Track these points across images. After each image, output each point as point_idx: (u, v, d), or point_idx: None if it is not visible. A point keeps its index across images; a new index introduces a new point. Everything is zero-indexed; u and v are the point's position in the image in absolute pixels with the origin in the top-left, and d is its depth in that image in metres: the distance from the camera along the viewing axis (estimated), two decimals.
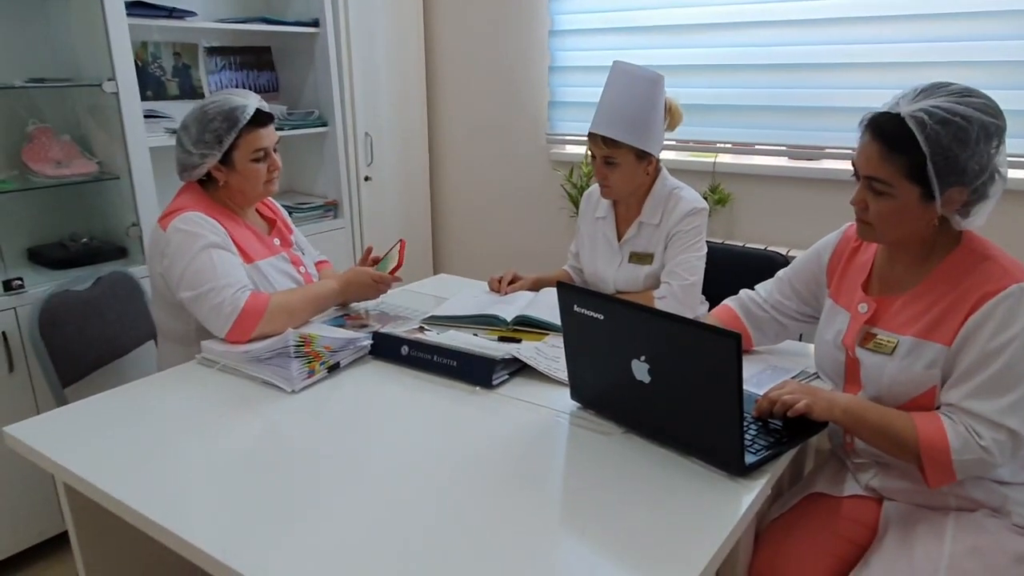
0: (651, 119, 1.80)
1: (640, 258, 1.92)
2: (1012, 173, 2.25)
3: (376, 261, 1.97)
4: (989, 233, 1.25)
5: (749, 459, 1.15)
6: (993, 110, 1.17)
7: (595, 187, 2.04)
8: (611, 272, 1.96)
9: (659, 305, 1.83)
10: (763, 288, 1.60)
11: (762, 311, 1.58)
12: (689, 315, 1.80)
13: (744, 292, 1.63)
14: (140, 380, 1.54)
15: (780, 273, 1.58)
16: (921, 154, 1.15)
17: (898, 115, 1.17)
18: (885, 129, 1.18)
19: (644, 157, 1.82)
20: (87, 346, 1.91)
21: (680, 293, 1.82)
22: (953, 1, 2.30)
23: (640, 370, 1.20)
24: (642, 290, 1.91)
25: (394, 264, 1.92)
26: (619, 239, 1.96)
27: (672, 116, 1.89)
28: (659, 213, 1.89)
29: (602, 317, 1.23)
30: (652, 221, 1.90)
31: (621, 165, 1.82)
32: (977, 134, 1.14)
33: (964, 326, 1.18)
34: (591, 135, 1.83)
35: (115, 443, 1.27)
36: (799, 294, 1.53)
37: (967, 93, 1.17)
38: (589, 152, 1.87)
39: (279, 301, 1.65)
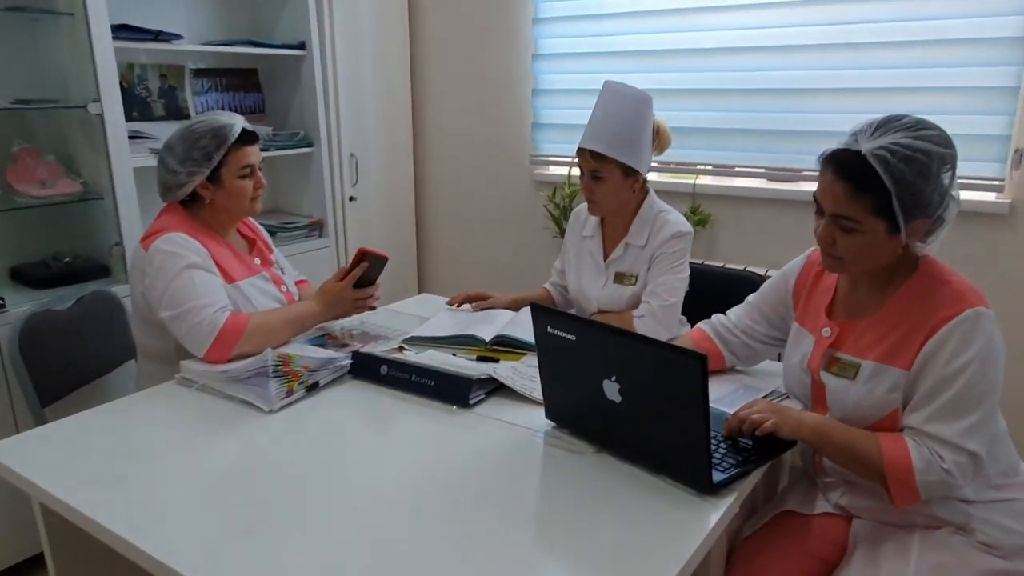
0: (638, 137, 1.83)
1: (624, 278, 1.94)
2: (964, 195, 2.30)
3: (346, 275, 1.86)
4: (942, 252, 1.28)
5: (717, 477, 1.17)
6: (946, 140, 1.21)
7: (583, 206, 2.07)
8: (595, 291, 1.98)
9: (637, 324, 1.85)
10: (733, 313, 1.63)
11: (732, 335, 1.61)
12: (666, 336, 1.83)
13: (716, 317, 1.66)
14: (119, 400, 1.55)
15: (749, 298, 1.61)
16: (886, 191, 1.17)
17: (859, 153, 1.19)
18: (849, 168, 1.21)
19: (631, 174, 1.85)
20: (67, 365, 1.91)
21: (659, 313, 1.85)
22: (921, 31, 2.37)
23: (611, 390, 1.22)
24: (624, 310, 1.93)
25: (376, 268, 1.85)
26: (605, 258, 1.98)
27: (660, 138, 1.93)
28: (645, 234, 1.92)
29: (574, 338, 1.25)
30: (638, 242, 1.92)
31: (607, 180, 1.84)
32: (936, 167, 1.18)
33: (922, 350, 1.21)
34: (579, 151, 1.86)
35: (92, 463, 1.27)
36: (768, 318, 1.56)
37: (921, 126, 1.20)
38: (578, 168, 1.90)
39: (259, 322, 1.66)
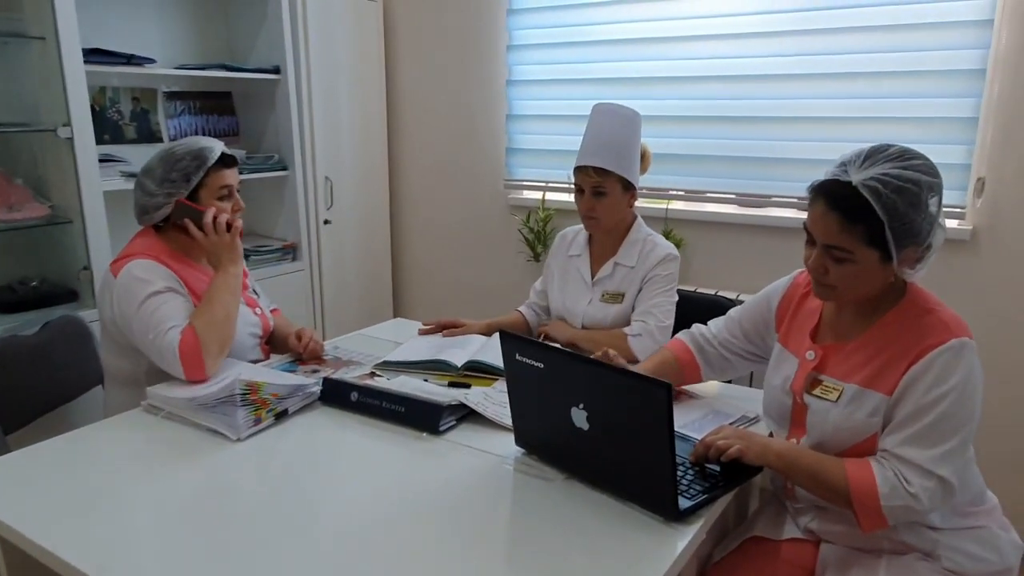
0: (633, 153, 1.91)
1: (612, 297, 1.98)
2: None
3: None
4: (944, 280, 1.30)
5: (684, 504, 1.18)
6: (933, 169, 1.23)
7: (569, 229, 2.13)
8: (580, 307, 2.01)
9: (633, 342, 1.87)
10: (714, 325, 1.65)
11: (711, 347, 1.62)
12: None
13: (696, 327, 1.68)
14: (84, 428, 1.52)
15: (731, 312, 1.63)
16: (879, 221, 1.19)
17: (850, 184, 1.21)
18: (841, 199, 1.22)
19: (628, 189, 1.91)
20: (32, 392, 1.88)
21: (657, 333, 1.88)
22: (885, 62, 2.44)
23: (579, 417, 1.23)
24: (609, 327, 1.95)
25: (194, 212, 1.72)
26: (592, 276, 2.01)
27: (644, 160, 1.99)
28: (635, 256, 1.96)
29: (542, 366, 1.26)
30: (627, 263, 1.96)
31: (609, 195, 1.89)
32: (926, 196, 1.20)
33: (904, 376, 1.22)
34: (580, 169, 1.90)
35: (53, 494, 1.25)
36: (747, 334, 1.58)
37: (908, 155, 1.22)
38: (575, 188, 1.94)
39: (201, 324, 1.62)
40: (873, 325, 1.30)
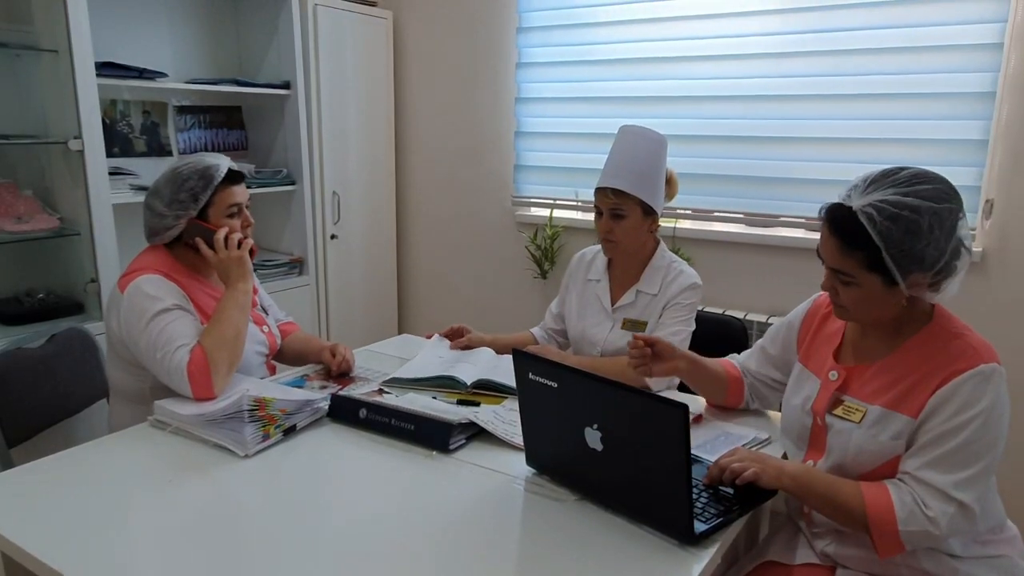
0: (656, 178, 1.86)
1: (634, 325, 1.92)
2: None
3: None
4: (950, 303, 1.29)
5: (699, 527, 1.16)
6: (945, 194, 1.20)
7: (587, 249, 2.08)
8: (601, 335, 1.96)
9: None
10: (744, 356, 1.66)
11: (749, 377, 1.63)
12: (667, 384, 1.85)
13: (733, 357, 1.69)
14: (90, 443, 1.51)
15: (759, 343, 1.63)
16: (876, 247, 1.18)
17: (850, 209, 1.20)
18: (840, 224, 1.22)
19: (650, 214, 1.86)
20: (37, 406, 1.86)
21: None
22: (895, 84, 2.44)
23: (593, 438, 1.21)
24: None
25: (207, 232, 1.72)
26: (612, 303, 1.97)
27: (671, 186, 1.95)
28: (658, 283, 1.91)
29: (556, 385, 1.25)
30: (650, 290, 1.92)
31: (628, 218, 1.84)
32: (929, 223, 1.17)
33: (931, 400, 1.21)
34: (599, 190, 1.86)
35: (58, 510, 1.23)
36: (775, 362, 1.58)
37: (917, 180, 1.20)
38: (595, 210, 1.90)
39: (210, 344, 1.61)
40: (899, 347, 1.29)
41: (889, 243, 1.18)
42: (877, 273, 1.21)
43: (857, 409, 1.30)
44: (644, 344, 1.56)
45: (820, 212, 1.28)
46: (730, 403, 1.66)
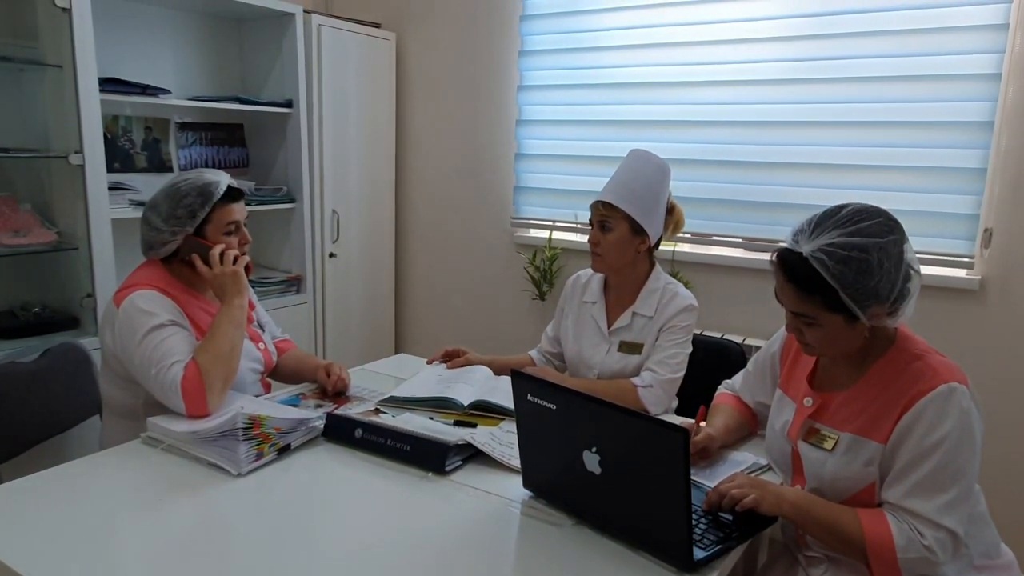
0: (651, 200, 1.86)
1: (631, 347, 1.92)
2: (936, 271, 2.38)
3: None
4: (916, 327, 1.30)
5: (698, 554, 1.14)
6: (886, 227, 1.23)
7: (582, 272, 2.08)
8: (598, 358, 1.95)
9: (643, 393, 1.82)
10: (741, 386, 1.67)
11: (754, 404, 1.64)
12: (664, 407, 1.84)
13: (727, 384, 1.70)
14: (80, 459, 1.49)
15: (749, 369, 1.65)
16: (833, 289, 1.20)
17: (801, 255, 1.22)
18: (795, 271, 1.24)
19: (639, 234, 1.86)
20: (28, 421, 1.84)
21: (667, 385, 1.84)
22: (895, 112, 2.45)
23: (591, 461, 1.20)
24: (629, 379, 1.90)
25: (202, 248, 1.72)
26: (609, 326, 1.96)
27: (675, 217, 1.96)
28: (654, 305, 1.91)
29: (554, 407, 1.24)
30: (646, 313, 1.91)
31: (614, 232, 1.85)
32: (878, 258, 1.20)
33: (898, 425, 1.22)
34: (593, 204, 1.89)
35: (48, 527, 1.21)
36: (765, 389, 1.59)
37: (859, 218, 1.23)
38: (589, 223, 1.91)
39: (204, 359, 1.60)
40: (865, 374, 1.30)
41: (844, 284, 1.19)
42: (836, 312, 1.23)
43: (829, 437, 1.30)
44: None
45: (771, 258, 1.30)
46: (752, 434, 1.67)
